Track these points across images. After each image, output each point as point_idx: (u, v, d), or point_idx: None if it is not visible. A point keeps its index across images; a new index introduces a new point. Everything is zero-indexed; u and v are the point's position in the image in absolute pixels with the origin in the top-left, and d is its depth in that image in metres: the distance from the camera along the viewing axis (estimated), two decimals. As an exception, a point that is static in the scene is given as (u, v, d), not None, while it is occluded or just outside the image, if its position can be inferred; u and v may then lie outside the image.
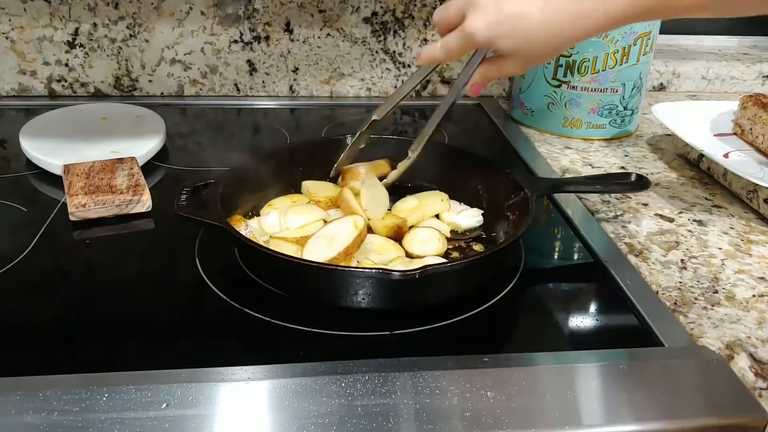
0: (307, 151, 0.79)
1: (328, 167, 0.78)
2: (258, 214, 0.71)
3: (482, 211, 0.73)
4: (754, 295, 0.62)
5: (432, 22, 0.66)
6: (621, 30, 0.93)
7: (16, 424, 0.43)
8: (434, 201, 0.72)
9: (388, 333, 0.56)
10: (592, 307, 0.62)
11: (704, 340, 0.56)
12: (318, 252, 0.60)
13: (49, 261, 0.66)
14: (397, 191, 0.74)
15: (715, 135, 0.92)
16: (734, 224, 0.76)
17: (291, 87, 1.16)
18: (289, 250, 0.62)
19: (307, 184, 0.75)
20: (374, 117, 0.74)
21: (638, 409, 0.48)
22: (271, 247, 0.61)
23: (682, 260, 0.68)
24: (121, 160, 0.80)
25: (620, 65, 0.96)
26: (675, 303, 0.61)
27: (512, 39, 0.55)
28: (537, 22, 0.53)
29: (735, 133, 0.92)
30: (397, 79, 1.17)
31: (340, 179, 0.78)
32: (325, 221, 0.67)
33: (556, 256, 0.73)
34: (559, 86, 1.00)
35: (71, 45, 1.07)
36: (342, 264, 0.59)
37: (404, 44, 1.14)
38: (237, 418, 0.45)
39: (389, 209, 0.72)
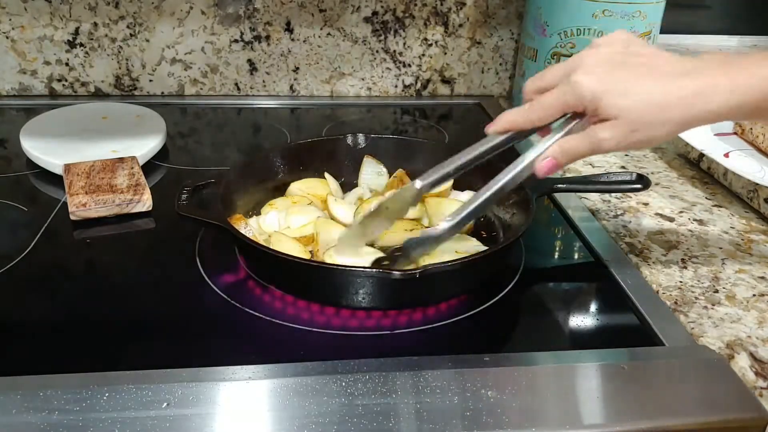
0: (307, 150, 0.79)
1: (328, 167, 0.78)
2: (258, 214, 0.71)
3: (474, 193, 0.73)
4: (754, 295, 0.62)
5: (522, 92, 0.57)
6: (621, 29, 0.93)
7: (17, 424, 0.43)
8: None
9: (388, 332, 0.56)
10: (593, 307, 0.62)
11: (705, 339, 0.56)
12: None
13: (50, 260, 0.66)
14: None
15: (715, 134, 0.92)
16: (735, 224, 0.76)
17: (291, 86, 1.16)
18: (290, 248, 0.62)
19: (292, 188, 0.74)
20: (416, 186, 0.58)
21: (638, 409, 0.48)
22: (273, 244, 0.61)
23: (682, 260, 0.68)
24: (121, 160, 0.80)
25: (621, 65, 0.96)
26: (675, 302, 0.61)
27: (624, 97, 0.49)
28: (655, 86, 0.49)
29: (735, 133, 0.92)
30: (398, 79, 1.17)
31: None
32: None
33: (556, 256, 0.73)
34: (559, 86, 0.99)
35: (72, 44, 1.07)
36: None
37: (405, 44, 1.14)
38: (237, 417, 0.45)
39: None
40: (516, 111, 0.55)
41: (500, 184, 0.55)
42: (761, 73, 0.47)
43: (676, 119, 0.48)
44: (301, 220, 0.67)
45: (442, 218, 0.61)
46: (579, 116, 0.53)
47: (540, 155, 0.53)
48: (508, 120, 0.55)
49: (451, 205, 0.71)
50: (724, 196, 0.82)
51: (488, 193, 0.55)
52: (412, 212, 0.66)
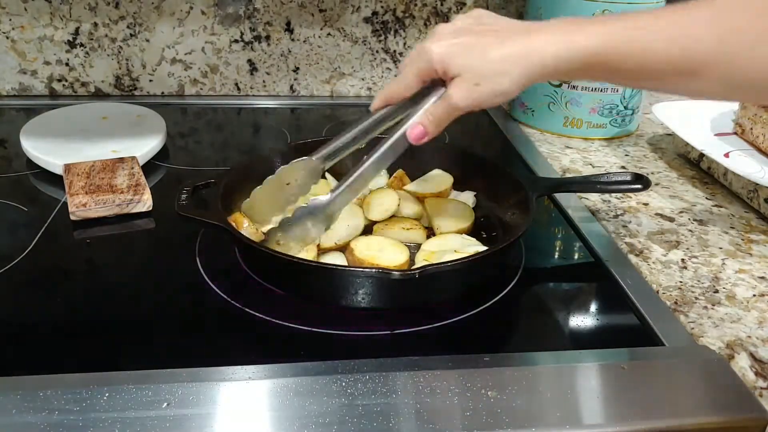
0: (307, 150, 0.79)
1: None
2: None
3: (474, 193, 0.75)
4: (754, 295, 0.62)
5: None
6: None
7: (17, 424, 0.43)
8: (440, 178, 0.76)
9: (388, 332, 0.56)
10: (593, 307, 0.62)
11: (705, 339, 0.56)
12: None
13: (50, 260, 0.66)
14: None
15: (715, 134, 0.91)
16: (735, 224, 0.76)
17: (291, 86, 1.16)
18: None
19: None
20: (313, 158, 0.64)
21: (638, 409, 0.48)
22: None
23: (682, 260, 0.68)
24: (121, 160, 0.80)
25: (621, 65, 0.96)
26: (675, 302, 0.61)
27: (464, 56, 0.54)
28: (493, 44, 0.53)
29: (735, 133, 0.92)
30: (398, 79, 1.18)
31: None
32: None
33: (556, 256, 0.73)
34: (559, 86, 1.00)
35: (72, 44, 1.07)
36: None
37: (405, 44, 1.14)
38: (237, 417, 0.45)
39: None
40: (386, 85, 0.60)
41: (378, 153, 0.59)
42: (594, 30, 0.51)
43: (514, 71, 0.52)
44: None
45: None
46: (443, 84, 0.56)
47: (410, 124, 0.57)
48: (381, 95, 0.60)
49: (449, 205, 0.71)
50: (724, 196, 0.82)
51: (367, 163, 0.59)
52: (321, 188, 0.68)
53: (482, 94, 0.54)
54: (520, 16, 1.15)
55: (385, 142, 0.59)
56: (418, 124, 0.57)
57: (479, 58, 0.53)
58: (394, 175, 0.77)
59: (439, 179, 0.76)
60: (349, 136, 0.62)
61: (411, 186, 0.75)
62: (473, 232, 0.70)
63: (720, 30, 0.48)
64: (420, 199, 0.73)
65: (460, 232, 0.68)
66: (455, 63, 0.54)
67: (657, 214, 0.77)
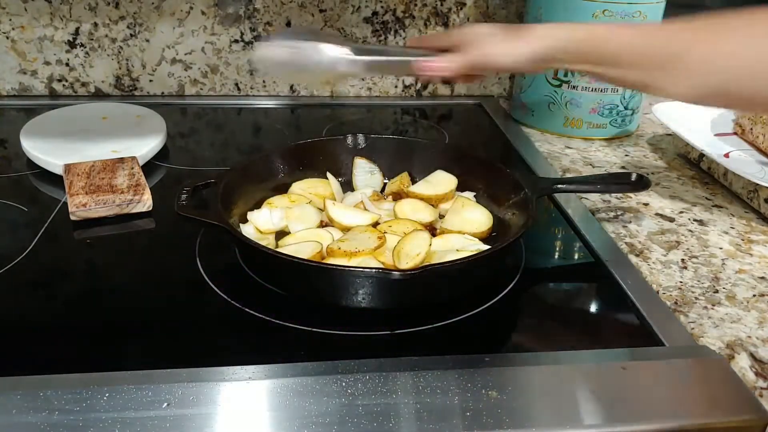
0: (307, 150, 0.79)
1: (328, 167, 0.78)
2: (258, 214, 0.71)
3: (474, 193, 0.75)
4: (754, 295, 0.62)
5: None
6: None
7: (17, 424, 0.43)
8: (444, 180, 0.76)
9: (388, 332, 0.56)
10: (593, 307, 0.62)
11: (705, 339, 0.56)
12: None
13: (50, 261, 0.66)
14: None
15: (715, 135, 0.92)
16: (735, 224, 0.76)
17: (291, 86, 1.16)
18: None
19: (294, 187, 0.75)
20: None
21: (638, 409, 0.48)
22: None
23: (682, 260, 0.68)
24: (121, 160, 0.80)
25: (621, 65, 0.96)
26: (675, 302, 0.61)
27: (493, 37, 0.66)
28: (512, 32, 0.65)
29: (735, 133, 0.92)
30: (398, 79, 1.17)
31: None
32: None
33: (556, 256, 0.73)
34: (559, 86, 1.00)
35: (72, 45, 1.07)
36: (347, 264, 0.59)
37: (405, 44, 1.14)
38: (237, 417, 0.45)
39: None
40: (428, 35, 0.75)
41: (396, 57, 0.70)
42: (588, 23, 0.67)
43: (528, 47, 0.64)
44: (300, 226, 0.67)
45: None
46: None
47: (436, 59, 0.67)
48: (419, 39, 0.74)
49: (461, 203, 0.71)
50: (724, 196, 0.82)
51: (385, 57, 0.71)
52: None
53: (489, 57, 0.65)
54: (520, 16, 1.15)
55: (407, 55, 0.68)
56: (437, 60, 0.66)
57: (489, 33, 0.65)
58: (396, 177, 0.77)
59: (444, 181, 0.75)
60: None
61: (415, 188, 0.75)
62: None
63: (692, 29, 0.56)
64: (431, 203, 0.73)
65: (476, 235, 0.68)
66: (473, 32, 0.66)
67: (657, 214, 0.77)
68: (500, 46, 0.64)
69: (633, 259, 0.68)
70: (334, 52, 0.66)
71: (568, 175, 0.88)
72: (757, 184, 0.76)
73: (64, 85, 1.10)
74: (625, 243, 0.71)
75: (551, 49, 0.63)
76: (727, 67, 0.55)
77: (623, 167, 0.91)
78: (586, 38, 0.62)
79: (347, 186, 0.78)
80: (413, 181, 0.77)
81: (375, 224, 0.69)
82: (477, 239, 0.66)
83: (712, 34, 0.56)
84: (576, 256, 0.71)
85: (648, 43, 0.59)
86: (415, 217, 0.70)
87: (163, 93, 1.13)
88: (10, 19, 1.04)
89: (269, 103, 1.13)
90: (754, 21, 0.54)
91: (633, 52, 0.60)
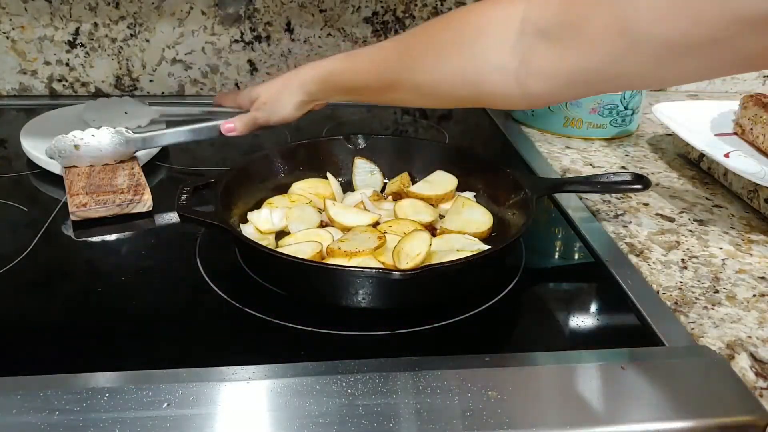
0: (307, 150, 0.79)
1: (328, 167, 0.78)
2: (258, 214, 0.71)
3: (474, 193, 0.75)
4: (754, 295, 0.62)
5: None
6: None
7: (17, 424, 0.43)
8: (444, 180, 0.76)
9: (388, 333, 0.56)
10: (593, 307, 0.62)
11: (705, 339, 0.56)
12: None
13: (50, 261, 0.66)
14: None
15: (715, 135, 0.91)
16: (735, 224, 0.76)
17: (291, 87, 1.16)
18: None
19: (294, 187, 0.76)
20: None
21: (638, 409, 0.48)
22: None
23: (682, 260, 0.68)
24: (121, 160, 0.80)
25: (621, 65, 0.96)
26: (676, 302, 0.61)
27: (262, 88, 0.77)
28: (276, 80, 0.76)
29: (735, 133, 0.92)
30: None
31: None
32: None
33: (556, 256, 0.73)
34: (559, 86, 1.00)
35: (72, 44, 1.07)
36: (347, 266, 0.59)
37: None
38: (238, 417, 0.45)
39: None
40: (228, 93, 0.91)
41: (194, 126, 0.80)
42: (334, 59, 0.70)
43: (285, 94, 0.74)
44: (300, 226, 0.67)
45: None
46: None
47: (227, 120, 0.79)
48: (221, 98, 0.88)
49: (462, 203, 0.71)
50: (724, 196, 0.82)
51: (182, 128, 0.81)
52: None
53: (269, 114, 0.76)
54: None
55: (204, 122, 0.80)
56: (232, 122, 0.78)
57: (266, 88, 0.76)
58: (396, 177, 0.77)
59: (444, 181, 0.76)
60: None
61: (415, 188, 0.75)
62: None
63: (398, 53, 0.64)
64: (432, 203, 0.73)
65: (477, 236, 0.68)
66: (256, 91, 0.77)
67: (657, 214, 0.77)
68: (270, 107, 0.75)
69: (633, 259, 0.68)
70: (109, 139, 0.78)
71: (568, 175, 0.88)
72: (757, 184, 0.76)
73: (64, 85, 1.10)
74: (625, 243, 0.71)
75: (309, 94, 0.72)
76: (429, 86, 0.63)
77: (623, 167, 0.91)
78: (329, 75, 0.70)
79: (347, 186, 0.78)
80: (413, 181, 0.77)
81: (375, 224, 0.69)
82: (477, 239, 0.66)
83: (418, 57, 0.63)
84: (576, 256, 0.71)
85: (376, 71, 0.66)
86: (415, 217, 0.70)
87: (163, 93, 1.13)
88: (10, 19, 1.04)
89: (269, 103, 1.13)
90: (443, 34, 0.61)
91: (368, 80, 0.67)
